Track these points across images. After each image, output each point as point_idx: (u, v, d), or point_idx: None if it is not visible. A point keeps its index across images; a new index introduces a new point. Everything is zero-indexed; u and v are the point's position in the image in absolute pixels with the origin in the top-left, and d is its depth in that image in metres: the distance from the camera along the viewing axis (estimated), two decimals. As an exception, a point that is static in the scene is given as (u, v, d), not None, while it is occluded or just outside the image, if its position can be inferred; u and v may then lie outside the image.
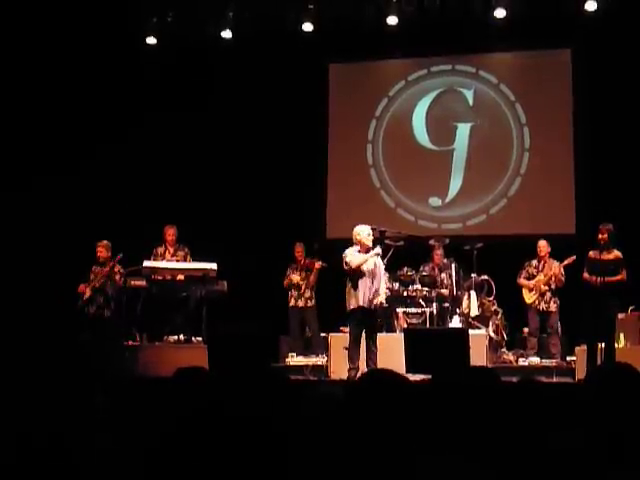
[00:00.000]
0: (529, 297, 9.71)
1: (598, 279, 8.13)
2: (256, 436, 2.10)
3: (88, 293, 9.13)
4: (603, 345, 8.03)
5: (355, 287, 8.17)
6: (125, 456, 2.35)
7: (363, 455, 1.94)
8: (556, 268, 9.51)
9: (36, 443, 2.32)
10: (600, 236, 8.20)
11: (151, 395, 2.94)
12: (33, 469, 2.24)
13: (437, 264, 10.07)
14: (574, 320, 9.32)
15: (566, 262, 9.38)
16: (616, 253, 8.29)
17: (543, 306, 9.66)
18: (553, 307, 9.66)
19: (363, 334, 8.20)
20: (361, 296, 8.13)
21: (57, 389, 3.19)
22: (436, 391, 2.30)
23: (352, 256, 8.21)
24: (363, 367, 8.00)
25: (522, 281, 9.77)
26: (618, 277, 8.21)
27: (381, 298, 8.24)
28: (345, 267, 8.23)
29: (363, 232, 8.33)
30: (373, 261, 8.26)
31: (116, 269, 9.25)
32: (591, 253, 8.37)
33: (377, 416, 1.97)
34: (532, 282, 9.69)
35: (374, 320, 8.32)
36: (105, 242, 9.32)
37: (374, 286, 8.20)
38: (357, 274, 8.16)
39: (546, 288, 9.62)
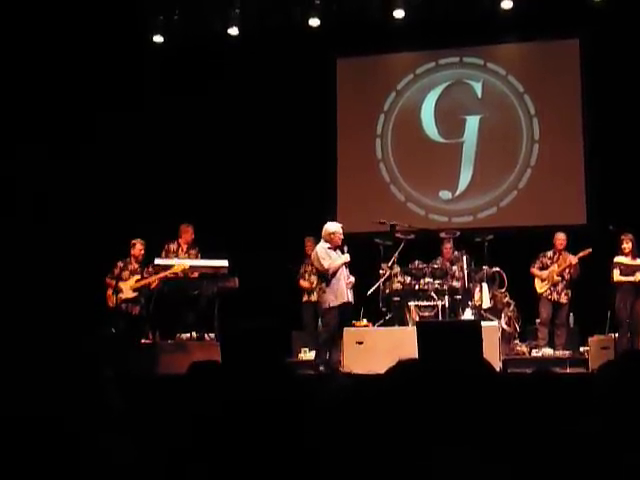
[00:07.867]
0: (540, 287, 9.72)
1: (623, 279, 8.94)
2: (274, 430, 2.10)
3: (132, 293, 9.28)
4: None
5: (333, 284, 8.32)
6: (139, 455, 2.35)
7: (379, 446, 1.94)
8: (572, 260, 9.51)
9: (41, 439, 2.30)
10: (625, 245, 8.93)
11: (166, 392, 2.95)
12: (37, 466, 2.20)
13: (447, 259, 10.05)
14: (586, 312, 9.36)
15: (581, 254, 9.41)
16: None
17: (555, 297, 9.67)
18: (564, 299, 9.66)
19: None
20: (342, 291, 8.34)
21: (67, 385, 3.19)
22: (450, 382, 2.30)
23: (330, 259, 8.34)
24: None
25: (535, 271, 9.78)
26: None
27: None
28: (321, 268, 8.39)
29: (338, 230, 8.45)
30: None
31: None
32: (622, 259, 8.99)
33: (401, 407, 1.97)
34: (545, 272, 9.69)
35: (349, 314, 8.59)
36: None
37: (349, 278, 8.44)
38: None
39: (559, 279, 9.62)
